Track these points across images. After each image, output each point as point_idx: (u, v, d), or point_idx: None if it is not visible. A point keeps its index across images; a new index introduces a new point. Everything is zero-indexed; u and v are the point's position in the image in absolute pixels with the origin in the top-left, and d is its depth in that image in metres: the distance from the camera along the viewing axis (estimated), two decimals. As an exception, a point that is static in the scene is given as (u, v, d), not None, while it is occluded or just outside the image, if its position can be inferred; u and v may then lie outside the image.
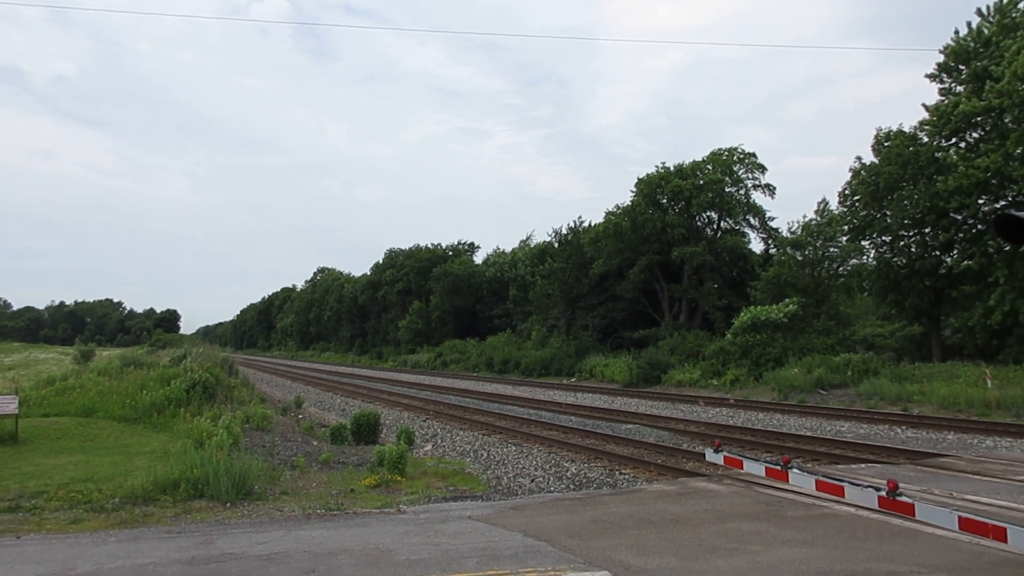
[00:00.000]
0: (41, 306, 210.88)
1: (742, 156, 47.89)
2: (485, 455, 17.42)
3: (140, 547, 8.40)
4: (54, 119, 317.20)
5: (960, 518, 6.06)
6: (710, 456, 11.27)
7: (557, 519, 9.52)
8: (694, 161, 48.40)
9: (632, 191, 49.59)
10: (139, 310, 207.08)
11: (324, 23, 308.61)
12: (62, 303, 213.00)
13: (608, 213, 50.44)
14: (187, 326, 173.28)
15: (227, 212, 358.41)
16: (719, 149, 48.81)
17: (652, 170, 49.81)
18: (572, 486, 13.41)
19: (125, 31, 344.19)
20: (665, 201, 47.60)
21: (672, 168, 48.56)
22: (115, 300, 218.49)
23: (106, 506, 10.58)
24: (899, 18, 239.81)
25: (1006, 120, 28.93)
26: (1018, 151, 28.05)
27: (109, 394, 21.40)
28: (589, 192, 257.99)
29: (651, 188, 47.69)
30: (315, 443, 18.57)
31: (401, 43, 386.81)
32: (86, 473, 12.63)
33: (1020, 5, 31.11)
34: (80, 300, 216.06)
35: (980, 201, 29.91)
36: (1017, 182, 28.10)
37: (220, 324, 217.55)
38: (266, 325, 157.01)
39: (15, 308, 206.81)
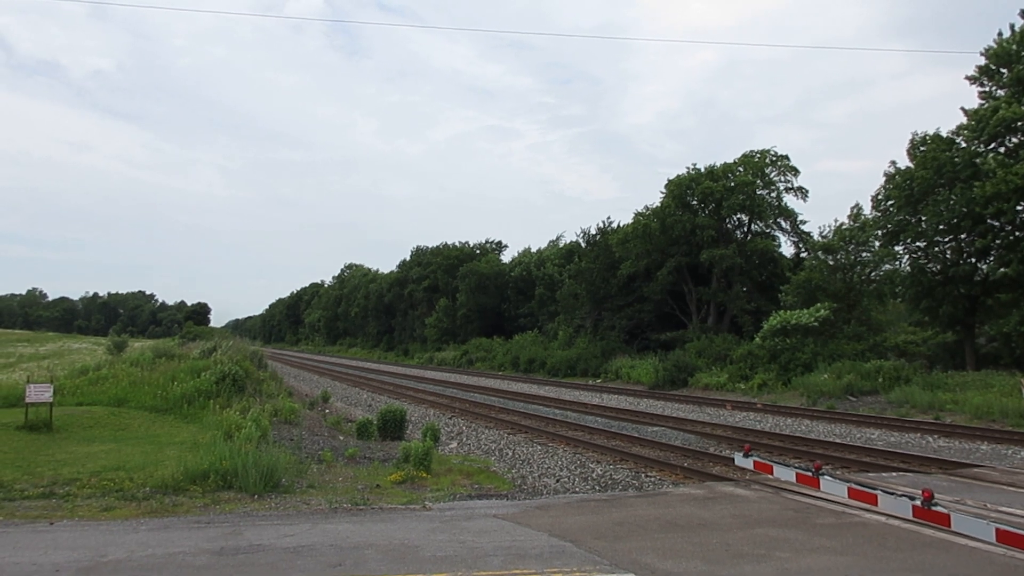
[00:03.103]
0: (75, 297, 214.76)
1: (774, 158, 47.37)
2: (510, 454, 17.42)
3: (170, 536, 8.52)
4: (91, 113, 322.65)
5: (998, 530, 5.96)
6: (739, 460, 11.18)
7: (583, 520, 9.50)
8: (725, 163, 47.94)
9: (662, 192, 49.31)
10: (171, 302, 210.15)
11: (356, 20, 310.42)
12: (96, 294, 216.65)
13: (637, 214, 50.16)
14: (217, 319, 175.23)
15: (258, 206, 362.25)
16: (751, 151, 48.34)
17: (683, 171, 49.51)
18: (598, 487, 13.36)
19: (161, 27, 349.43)
20: (695, 203, 47.23)
21: (703, 170, 48.16)
22: (147, 292, 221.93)
23: (137, 495, 10.74)
24: (936, 20, 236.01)
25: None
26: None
27: (141, 385, 21.70)
28: (618, 192, 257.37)
29: (681, 189, 47.36)
30: (341, 438, 18.71)
31: (432, 41, 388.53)
32: (118, 462, 12.82)
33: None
34: (113, 292, 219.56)
35: (1018, 207, 29.27)
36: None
37: (249, 318, 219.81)
38: (294, 320, 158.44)
39: (50, 298, 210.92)
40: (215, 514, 9.90)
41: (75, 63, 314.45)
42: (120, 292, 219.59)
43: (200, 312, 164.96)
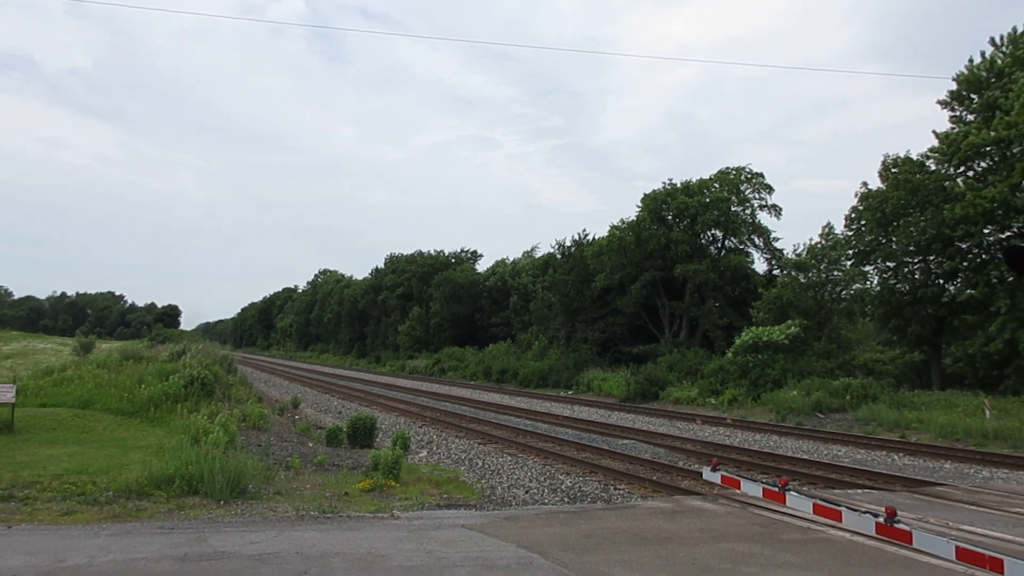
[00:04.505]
0: (42, 296, 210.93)
1: (750, 176, 47.88)
2: (480, 464, 17.38)
3: (132, 542, 8.38)
4: (66, 110, 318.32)
5: (957, 548, 6.05)
6: (707, 475, 11.23)
7: (551, 531, 9.49)
8: (701, 179, 48.37)
9: (638, 206, 49.59)
10: (140, 304, 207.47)
11: (338, 27, 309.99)
12: (63, 294, 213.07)
13: (613, 227, 50.40)
14: (188, 322, 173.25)
15: (233, 208, 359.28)
16: (727, 168, 48.81)
17: (659, 186, 49.88)
18: (566, 499, 13.36)
19: (140, 25, 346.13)
20: (670, 217, 47.57)
21: (679, 185, 48.57)
22: (117, 293, 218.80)
23: (99, 499, 10.56)
24: (916, 44, 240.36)
25: (1014, 151, 28.96)
26: (1024, 182, 28.07)
27: (107, 387, 21.39)
28: (596, 205, 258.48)
29: (657, 204, 47.67)
30: (311, 444, 18.55)
31: (415, 49, 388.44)
32: (81, 465, 12.61)
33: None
34: (82, 291, 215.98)
35: (986, 231, 29.86)
36: (1023, 212, 28.08)
37: (221, 321, 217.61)
38: (266, 324, 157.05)
39: (16, 297, 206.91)
40: (179, 520, 9.77)
41: (51, 59, 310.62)
42: (88, 292, 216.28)
43: (170, 314, 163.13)
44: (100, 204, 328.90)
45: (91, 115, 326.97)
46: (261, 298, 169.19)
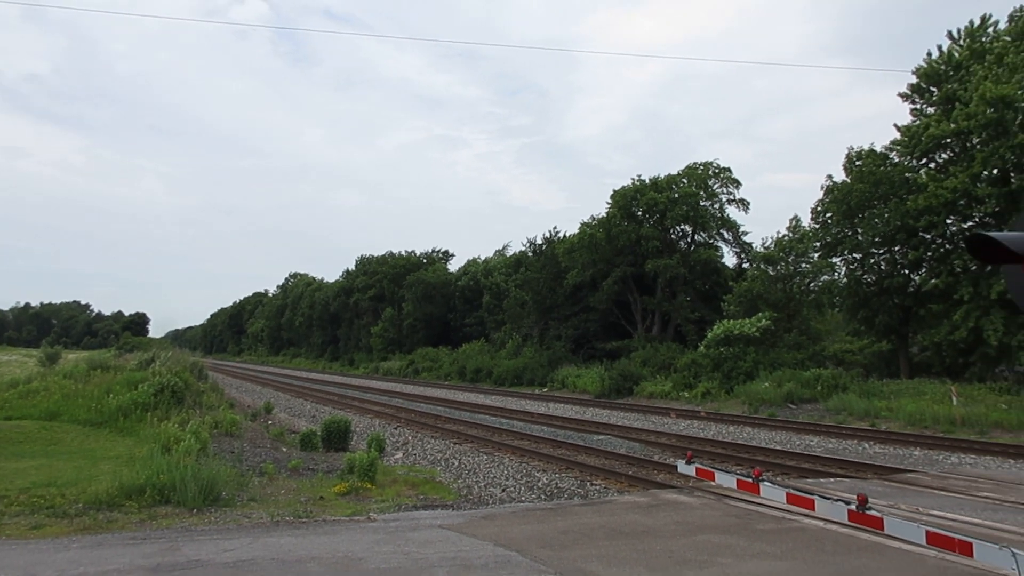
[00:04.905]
0: (5, 307, 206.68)
1: (717, 171, 48.31)
2: (456, 464, 17.35)
3: (103, 554, 8.24)
4: (26, 117, 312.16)
5: (928, 532, 6.15)
6: (682, 468, 11.31)
7: (528, 529, 9.49)
8: (669, 175, 48.73)
9: (608, 203, 49.85)
10: (107, 313, 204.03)
11: (303, 28, 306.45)
12: (27, 304, 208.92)
13: (583, 224, 50.59)
14: (156, 330, 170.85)
15: (200, 214, 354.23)
16: (694, 163, 49.22)
17: (628, 182, 50.15)
18: (543, 496, 13.38)
19: (100, 30, 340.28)
20: (640, 213, 47.84)
21: (648, 181, 48.86)
22: (83, 302, 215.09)
23: (69, 512, 10.36)
24: (879, 38, 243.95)
25: (973, 142, 29.50)
26: (984, 172, 28.60)
27: (74, 397, 21.00)
28: (565, 203, 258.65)
29: (626, 200, 47.92)
30: (284, 449, 18.39)
31: (381, 49, 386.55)
32: (49, 478, 12.37)
33: (989, 30, 31.76)
34: (46, 302, 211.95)
35: (948, 221, 30.41)
36: (983, 202, 28.63)
37: (190, 328, 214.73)
38: (237, 330, 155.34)
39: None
40: (152, 530, 9.62)
41: (8, 66, 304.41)
42: (53, 302, 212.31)
43: (138, 322, 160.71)
44: (63, 213, 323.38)
45: (52, 122, 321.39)
46: (231, 303, 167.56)
